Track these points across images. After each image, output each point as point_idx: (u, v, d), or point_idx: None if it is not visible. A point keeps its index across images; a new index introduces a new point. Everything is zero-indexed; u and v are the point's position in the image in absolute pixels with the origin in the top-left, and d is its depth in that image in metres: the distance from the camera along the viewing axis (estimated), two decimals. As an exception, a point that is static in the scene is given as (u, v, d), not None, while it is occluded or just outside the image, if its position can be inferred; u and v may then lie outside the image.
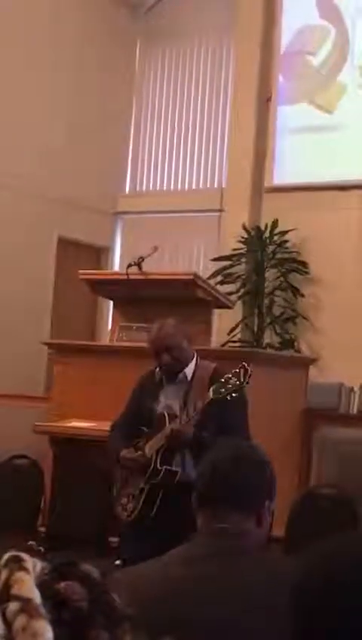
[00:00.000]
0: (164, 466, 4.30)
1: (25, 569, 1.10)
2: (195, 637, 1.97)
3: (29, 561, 1.12)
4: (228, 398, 4.15)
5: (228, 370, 4.24)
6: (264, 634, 1.88)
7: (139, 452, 4.40)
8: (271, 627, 1.63)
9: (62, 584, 1.10)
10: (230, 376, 4.17)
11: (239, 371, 4.16)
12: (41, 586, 1.09)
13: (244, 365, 4.20)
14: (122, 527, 4.53)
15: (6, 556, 1.11)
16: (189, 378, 4.40)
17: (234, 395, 4.16)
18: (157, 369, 4.46)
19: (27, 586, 1.07)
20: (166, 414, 4.35)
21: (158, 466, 4.30)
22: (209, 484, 2.20)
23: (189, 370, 4.42)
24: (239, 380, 4.13)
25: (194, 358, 4.46)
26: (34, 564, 1.11)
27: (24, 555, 1.12)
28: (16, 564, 1.10)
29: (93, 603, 1.10)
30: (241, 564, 2.08)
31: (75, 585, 1.10)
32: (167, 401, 4.42)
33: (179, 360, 4.40)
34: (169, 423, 4.30)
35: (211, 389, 4.18)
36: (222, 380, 4.18)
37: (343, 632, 1.23)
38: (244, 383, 4.14)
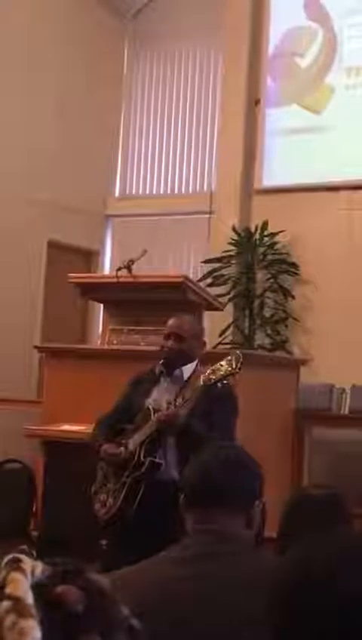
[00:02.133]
0: (148, 458, 4.28)
1: (21, 570, 1.11)
2: (190, 638, 1.97)
3: (28, 563, 1.13)
4: (219, 384, 4.12)
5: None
6: (257, 635, 1.88)
7: (122, 448, 4.39)
8: (264, 628, 1.63)
9: (60, 587, 1.11)
10: (222, 363, 4.14)
11: (231, 358, 4.13)
12: (37, 587, 1.10)
13: (236, 352, 4.20)
14: (104, 525, 4.48)
15: (7, 558, 1.13)
16: (185, 378, 4.40)
17: (225, 381, 4.13)
18: (158, 364, 4.45)
19: (20, 585, 1.09)
20: (151, 408, 4.34)
21: (142, 458, 4.28)
22: (198, 485, 2.20)
23: (187, 371, 4.41)
24: (231, 366, 4.10)
25: (196, 362, 4.46)
26: (33, 567, 1.12)
27: (24, 557, 1.13)
28: (14, 564, 1.12)
29: (90, 609, 1.10)
30: (233, 565, 2.08)
31: (73, 589, 1.11)
32: (159, 396, 4.41)
33: (182, 352, 4.39)
34: (154, 416, 4.29)
35: (201, 376, 4.16)
36: (213, 368, 4.15)
37: (317, 631, 1.23)
38: (236, 369, 4.10)
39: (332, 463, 6.53)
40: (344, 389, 8.31)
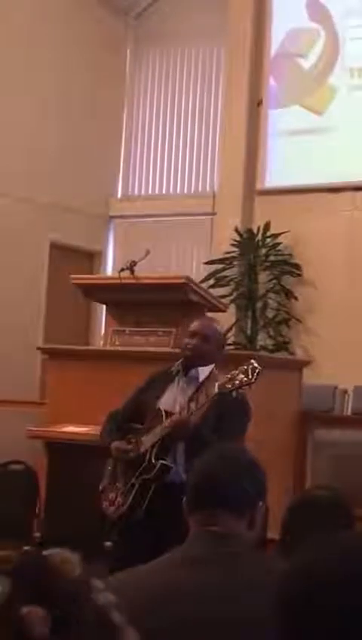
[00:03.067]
0: (159, 461, 4.27)
1: None
2: (193, 639, 1.97)
3: None
4: (234, 394, 4.10)
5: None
6: (260, 636, 1.88)
7: (132, 446, 4.38)
8: (267, 629, 1.63)
9: (25, 610, 1.06)
10: (236, 372, 4.10)
11: (247, 368, 4.09)
12: (1, 610, 1.06)
13: (252, 363, 4.12)
14: (111, 525, 4.48)
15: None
16: (201, 379, 4.39)
17: (240, 390, 4.11)
18: (176, 364, 4.44)
19: None
20: (163, 411, 4.32)
21: (153, 461, 4.28)
22: (200, 487, 2.20)
23: (203, 372, 4.39)
24: (247, 376, 4.07)
25: (212, 366, 4.44)
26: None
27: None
28: None
29: (61, 625, 1.06)
30: (235, 567, 2.08)
31: (38, 611, 1.06)
32: (173, 397, 4.39)
33: (201, 353, 4.38)
34: (165, 420, 4.28)
35: (217, 384, 4.13)
36: (229, 376, 4.12)
37: (323, 633, 1.23)
38: (252, 380, 4.07)
39: (334, 464, 6.52)
40: (346, 390, 8.31)
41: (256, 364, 4.11)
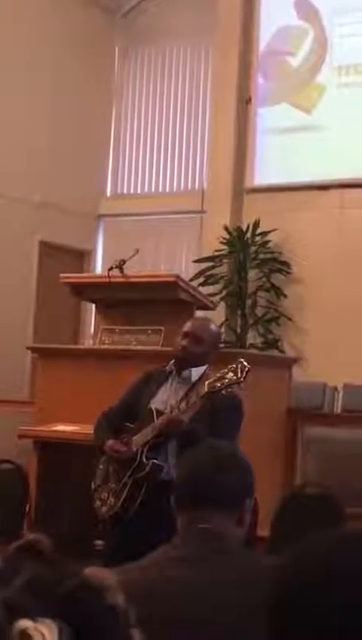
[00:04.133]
0: (151, 460, 4.27)
1: None
2: (179, 637, 1.97)
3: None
4: (223, 392, 4.12)
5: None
6: (251, 633, 1.88)
7: (125, 445, 4.37)
8: (258, 626, 1.63)
9: None
10: (226, 371, 4.12)
11: (236, 367, 4.11)
12: None
13: (242, 362, 4.15)
14: (103, 524, 4.48)
15: (16, 630, 1.04)
16: (193, 380, 4.39)
17: (229, 389, 4.12)
18: (169, 363, 4.44)
19: None
20: (154, 410, 4.33)
21: (144, 460, 4.28)
22: (189, 484, 2.20)
23: (196, 373, 4.40)
24: (236, 375, 4.09)
25: (206, 366, 4.44)
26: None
27: (36, 634, 1.03)
28: None
29: None
30: (224, 564, 2.08)
31: None
32: (165, 396, 4.40)
33: (195, 355, 4.38)
34: (156, 419, 4.28)
35: (206, 383, 4.14)
36: (218, 375, 4.14)
37: (314, 632, 1.23)
38: (241, 379, 4.09)
39: (324, 461, 6.53)
40: (336, 388, 8.32)
41: (245, 363, 4.13)
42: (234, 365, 4.13)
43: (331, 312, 9.00)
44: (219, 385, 4.11)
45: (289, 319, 9.33)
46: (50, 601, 1.07)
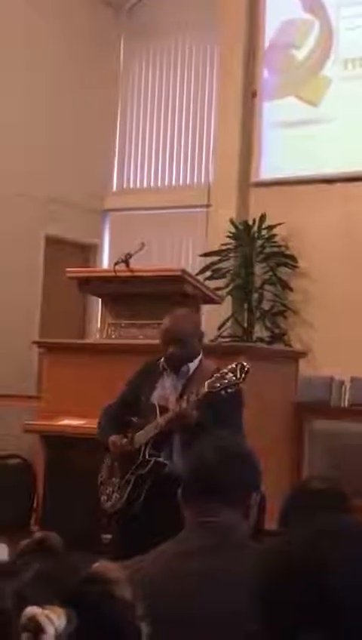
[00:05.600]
0: (153, 458, 4.27)
1: None
2: (189, 631, 1.96)
3: (50, 626, 1.05)
4: (223, 392, 4.14)
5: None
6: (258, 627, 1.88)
7: (127, 440, 4.38)
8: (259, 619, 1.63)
9: None
10: (226, 371, 4.16)
11: (236, 367, 4.15)
12: None
13: (242, 363, 4.19)
14: (108, 519, 4.49)
15: (25, 616, 1.05)
16: (191, 373, 4.39)
17: (229, 390, 4.14)
18: (162, 359, 4.44)
19: None
20: (157, 405, 4.33)
21: (147, 457, 4.29)
22: (195, 478, 2.19)
23: (192, 366, 4.41)
24: (236, 375, 4.12)
25: (200, 356, 4.45)
26: (56, 628, 1.05)
27: (43, 619, 1.04)
28: (36, 638, 1.04)
29: None
30: (231, 557, 2.08)
31: None
32: (164, 392, 4.40)
33: (185, 355, 4.38)
34: (160, 414, 4.28)
35: (206, 383, 4.16)
36: (218, 375, 4.16)
37: (300, 623, 1.23)
38: (241, 379, 4.12)
39: (332, 455, 6.52)
40: (343, 382, 8.31)
41: (244, 364, 4.17)
42: (234, 366, 4.17)
43: (338, 306, 8.98)
44: (218, 385, 4.14)
45: (296, 313, 9.32)
46: (58, 593, 1.07)
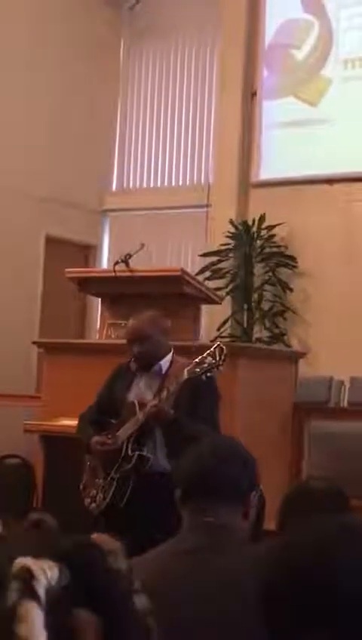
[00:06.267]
0: (136, 452, 4.26)
1: (35, 596, 1.02)
2: (187, 631, 1.96)
3: (42, 576, 1.04)
4: (204, 377, 4.12)
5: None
6: (256, 627, 1.88)
7: (110, 439, 4.37)
8: (261, 620, 1.63)
9: (75, 615, 1.04)
10: (205, 356, 4.15)
11: (214, 351, 4.14)
12: (52, 612, 1.02)
13: (220, 345, 4.20)
14: (94, 520, 4.46)
15: (17, 566, 1.04)
16: (164, 371, 4.39)
17: (209, 374, 4.13)
18: (132, 360, 4.46)
19: (33, 627, 1.00)
20: (136, 402, 4.32)
21: (130, 452, 4.27)
22: (194, 478, 2.19)
23: (165, 364, 4.41)
24: (215, 359, 4.10)
25: (171, 353, 4.45)
26: (48, 579, 1.04)
27: (36, 568, 1.03)
28: (27, 585, 1.03)
29: (110, 632, 1.04)
30: (233, 557, 2.08)
31: (88, 616, 1.04)
32: (140, 391, 4.41)
33: (151, 352, 4.38)
34: (139, 410, 4.28)
35: (186, 370, 4.16)
36: (197, 361, 4.16)
37: (303, 623, 1.23)
38: (220, 362, 4.10)
39: (331, 455, 6.52)
40: (343, 382, 8.31)
41: (223, 347, 4.18)
42: (212, 350, 4.16)
43: (337, 306, 8.99)
44: (198, 370, 4.14)
45: (296, 313, 9.32)
46: (52, 551, 1.07)
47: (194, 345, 5.26)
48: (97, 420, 4.52)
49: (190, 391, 4.18)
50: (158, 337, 4.42)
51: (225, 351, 4.13)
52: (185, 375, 4.15)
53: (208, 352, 4.16)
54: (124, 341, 6.10)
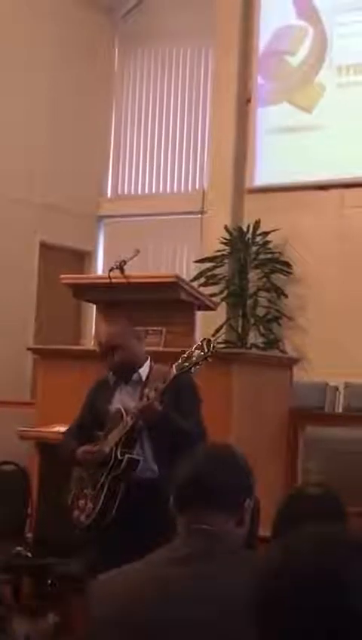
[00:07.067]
0: (126, 455, 4.23)
1: None
2: (186, 636, 1.96)
3: None
4: (192, 370, 4.07)
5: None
6: (248, 635, 1.88)
7: (99, 446, 4.33)
8: (253, 629, 1.63)
9: None
10: (193, 350, 4.08)
11: (202, 343, 4.07)
12: None
13: (207, 338, 4.16)
14: (85, 529, 4.37)
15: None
16: (144, 379, 4.36)
17: (198, 367, 4.07)
18: (110, 373, 4.43)
19: None
20: (122, 409, 4.28)
21: (119, 456, 4.24)
22: (188, 486, 2.19)
23: (143, 372, 4.38)
24: (203, 351, 4.03)
25: (148, 360, 4.42)
26: None
27: None
28: None
29: None
30: (228, 565, 2.08)
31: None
32: (122, 402, 4.37)
33: (126, 360, 4.35)
34: (126, 415, 4.24)
35: (174, 366, 4.10)
36: (185, 356, 4.09)
37: (297, 630, 1.24)
38: (209, 352, 4.04)
39: (326, 461, 6.52)
40: (337, 387, 8.32)
41: (211, 339, 4.13)
42: (199, 343, 4.10)
43: (332, 312, 9.00)
44: (187, 364, 4.06)
45: (290, 319, 9.33)
46: None
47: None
48: (82, 433, 4.47)
49: (173, 387, 4.15)
50: (132, 344, 4.38)
51: (213, 342, 4.07)
52: (174, 371, 4.09)
53: (195, 345, 4.10)
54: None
